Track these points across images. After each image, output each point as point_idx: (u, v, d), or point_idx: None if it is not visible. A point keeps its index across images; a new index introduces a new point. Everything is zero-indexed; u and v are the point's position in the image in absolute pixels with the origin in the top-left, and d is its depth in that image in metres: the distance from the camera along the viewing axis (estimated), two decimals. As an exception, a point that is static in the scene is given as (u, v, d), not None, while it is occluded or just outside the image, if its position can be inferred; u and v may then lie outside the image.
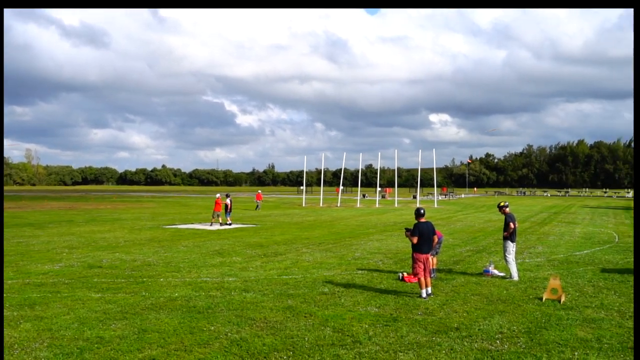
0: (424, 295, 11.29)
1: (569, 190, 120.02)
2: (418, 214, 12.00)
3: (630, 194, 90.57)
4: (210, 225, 29.45)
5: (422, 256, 11.52)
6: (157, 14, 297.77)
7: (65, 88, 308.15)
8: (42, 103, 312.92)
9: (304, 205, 54.88)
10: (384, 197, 75.04)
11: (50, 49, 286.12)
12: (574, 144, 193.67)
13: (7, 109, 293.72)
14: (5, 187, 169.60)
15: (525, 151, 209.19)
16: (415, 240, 11.57)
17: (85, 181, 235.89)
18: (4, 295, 11.31)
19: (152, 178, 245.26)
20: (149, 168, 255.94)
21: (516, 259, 14.09)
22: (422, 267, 11.43)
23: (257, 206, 47.69)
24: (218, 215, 29.86)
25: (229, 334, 8.68)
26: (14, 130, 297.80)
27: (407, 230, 12.12)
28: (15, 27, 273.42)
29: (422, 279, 11.41)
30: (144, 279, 13.26)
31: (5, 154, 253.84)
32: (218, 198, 30.29)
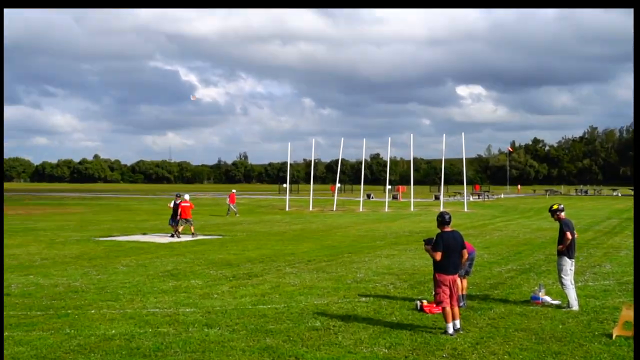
0: (451, 331, 11.24)
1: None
2: (442, 221, 11.90)
3: None
4: (172, 236, 29.51)
5: (448, 278, 11.44)
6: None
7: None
8: None
9: (287, 209, 54.88)
10: (396, 198, 75.03)
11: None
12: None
13: None
14: None
15: (587, 135, 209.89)
16: (438, 256, 11.45)
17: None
18: None
19: (80, 173, 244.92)
20: (76, 159, 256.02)
21: (576, 281, 14.11)
22: (449, 292, 11.37)
23: (230, 210, 47.64)
24: (186, 222, 29.85)
25: (185, 385, 8.64)
26: None
27: (426, 242, 12.07)
28: None
29: (448, 308, 11.37)
30: (69, 311, 13.17)
31: None
32: (185, 200, 30.24)
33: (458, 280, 12.00)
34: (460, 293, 13.67)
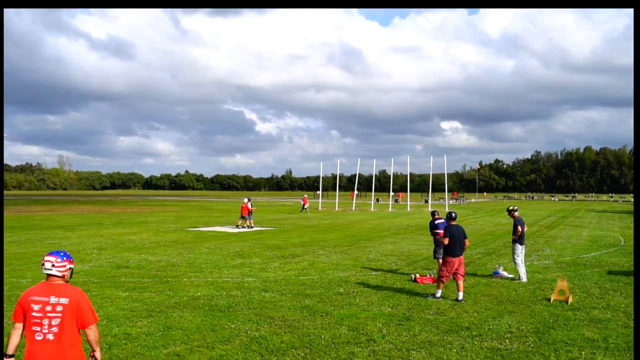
0: (438, 295, 11.19)
1: (576, 195, 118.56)
2: (450, 217, 11.75)
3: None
4: (238, 227, 29.55)
5: (455, 259, 11.23)
6: (179, 25, 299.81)
7: (94, 97, 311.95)
8: (72, 112, 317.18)
9: (320, 209, 54.88)
10: (397, 202, 74.71)
11: (80, 61, 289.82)
12: (581, 150, 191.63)
13: (39, 117, 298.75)
14: (39, 192, 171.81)
15: (533, 157, 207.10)
16: (446, 241, 11.28)
17: (113, 186, 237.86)
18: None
19: (176, 183, 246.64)
20: (173, 173, 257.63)
21: (525, 261, 13.98)
22: (450, 270, 11.21)
23: (303, 209, 47.43)
24: (245, 219, 29.94)
25: (249, 331, 8.70)
26: (46, 138, 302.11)
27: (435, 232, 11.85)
28: (47, 41, 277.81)
29: (444, 283, 11.28)
30: (169, 279, 13.33)
31: (39, 160, 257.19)
32: (245, 203, 30.30)
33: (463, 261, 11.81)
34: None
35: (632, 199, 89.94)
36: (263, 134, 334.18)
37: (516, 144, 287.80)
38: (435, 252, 14.24)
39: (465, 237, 11.53)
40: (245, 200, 31.02)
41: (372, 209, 54.78)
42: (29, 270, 14.52)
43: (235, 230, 28.44)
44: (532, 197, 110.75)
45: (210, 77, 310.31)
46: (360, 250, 19.74)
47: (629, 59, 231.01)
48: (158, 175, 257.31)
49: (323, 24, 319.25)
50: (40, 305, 4.66)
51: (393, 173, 70.79)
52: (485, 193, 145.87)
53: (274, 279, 13.38)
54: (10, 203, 66.96)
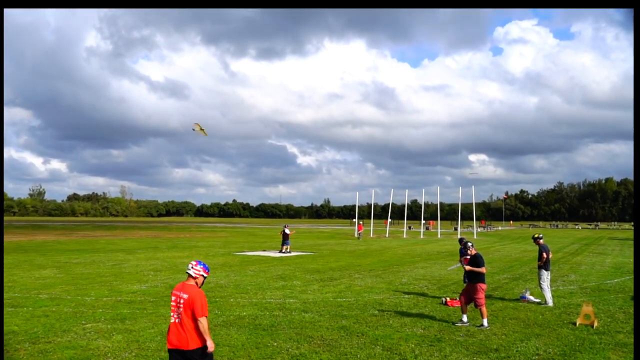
0: (486, 324, 10.48)
1: (599, 223, 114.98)
2: (470, 246, 11.33)
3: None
4: (282, 252, 29.46)
5: (485, 285, 10.84)
6: (228, 68, 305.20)
7: (153, 134, 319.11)
8: (134, 146, 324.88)
9: (356, 235, 54.55)
10: (428, 229, 73.68)
11: (141, 101, 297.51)
12: (603, 181, 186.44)
13: (105, 151, 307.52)
14: (103, 218, 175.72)
15: (556, 188, 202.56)
16: (484, 270, 10.82)
17: (168, 213, 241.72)
18: (99, 310, 11.64)
19: (224, 211, 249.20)
20: (222, 202, 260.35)
21: (551, 286, 13.55)
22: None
23: (359, 236, 47.11)
24: (287, 244, 30.00)
25: (290, 349, 8.64)
26: (110, 170, 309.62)
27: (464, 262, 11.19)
28: (112, 84, 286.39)
29: (485, 308, 10.63)
30: (217, 299, 13.39)
31: (104, 190, 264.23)
32: (286, 229, 30.37)
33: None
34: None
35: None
36: (304, 166, 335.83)
37: (541, 175, 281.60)
38: (464, 276, 13.94)
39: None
40: (286, 226, 31.12)
41: (404, 236, 54.13)
42: (92, 289, 14.80)
43: (278, 254, 28.47)
44: (557, 226, 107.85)
45: (256, 115, 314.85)
46: (394, 274, 19.47)
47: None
48: (208, 203, 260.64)
49: (358, 65, 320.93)
50: (175, 297, 5.95)
51: (424, 202, 70.04)
52: (511, 221, 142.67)
53: (313, 301, 13.29)
54: (78, 228, 68.74)
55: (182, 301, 5.84)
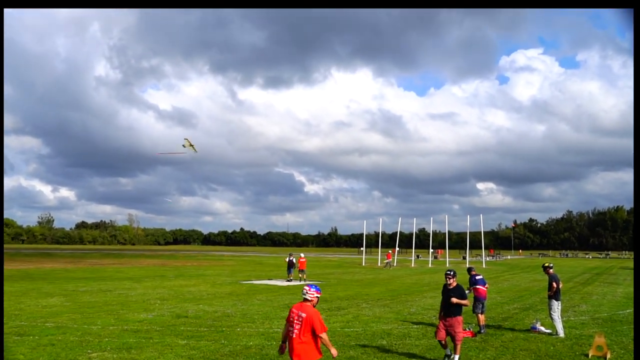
0: (449, 352, 10.02)
1: (609, 252, 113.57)
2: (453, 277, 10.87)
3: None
4: (299, 280, 29.06)
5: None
6: (235, 97, 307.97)
7: (160, 162, 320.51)
8: (141, 175, 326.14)
9: (363, 264, 54.12)
10: (436, 258, 73.12)
11: (149, 129, 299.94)
12: (613, 210, 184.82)
13: (113, 179, 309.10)
14: (111, 246, 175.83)
15: (565, 216, 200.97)
16: (467, 303, 10.42)
17: (175, 241, 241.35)
18: (105, 339, 11.57)
19: (231, 239, 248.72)
20: (229, 230, 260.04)
21: (561, 316, 13.35)
22: None
23: (387, 264, 47.05)
24: (302, 272, 29.81)
25: (297, 380, 8.51)
26: (118, 198, 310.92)
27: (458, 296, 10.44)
28: (121, 112, 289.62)
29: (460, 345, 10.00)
30: (224, 329, 13.28)
31: (112, 218, 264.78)
32: (301, 257, 30.21)
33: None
34: (480, 324, 13.17)
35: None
36: (311, 195, 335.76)
37: (549, 204, 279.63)
38: (474, 306, 13.78)
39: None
40: (302, 255, 30.95)
41: (412, 265, 53.70)
42: (99, 318, 14.72)
43: (286, 283, 28.28)
44: (567, 255, 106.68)
45: (263, 143, 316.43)
46: (402, 304, 19.27)
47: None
48: (216, 232, 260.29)
49: (365, 93, 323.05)
50: (294, 315, 6.92)
51: (432, 231, 69.49)
52: (520, 250, 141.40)
53: (320, 330, 13.14)
54: (86, 256, 68.74)
55: (300, 319, 6.78)
